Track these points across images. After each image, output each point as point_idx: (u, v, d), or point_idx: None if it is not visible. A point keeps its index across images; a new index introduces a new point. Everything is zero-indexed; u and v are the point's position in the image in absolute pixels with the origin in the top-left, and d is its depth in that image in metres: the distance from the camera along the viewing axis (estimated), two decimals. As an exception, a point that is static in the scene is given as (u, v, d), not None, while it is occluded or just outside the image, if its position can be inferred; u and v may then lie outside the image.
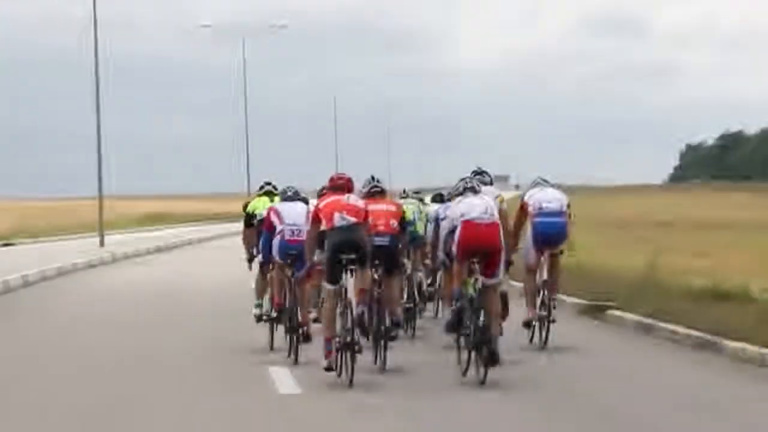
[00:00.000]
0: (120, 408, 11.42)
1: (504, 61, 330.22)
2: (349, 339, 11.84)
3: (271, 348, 14.36)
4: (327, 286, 12.34)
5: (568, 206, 14.58)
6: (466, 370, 11.95)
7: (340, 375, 11.93)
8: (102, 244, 41.36)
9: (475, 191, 12.46)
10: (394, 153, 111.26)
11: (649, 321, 15.84)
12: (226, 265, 28.20)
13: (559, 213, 14.27)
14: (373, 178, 13.72)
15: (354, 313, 12.06)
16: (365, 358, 12.43)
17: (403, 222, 13.50)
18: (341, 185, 12.73)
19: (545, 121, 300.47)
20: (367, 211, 12.46)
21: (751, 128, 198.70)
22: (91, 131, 42.68)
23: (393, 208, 13.29)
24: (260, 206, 15.29)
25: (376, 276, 12.84)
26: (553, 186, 14.91)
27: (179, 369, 13.89)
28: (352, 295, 12.37)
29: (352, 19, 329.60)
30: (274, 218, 13.80)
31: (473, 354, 11.77)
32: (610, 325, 17.24)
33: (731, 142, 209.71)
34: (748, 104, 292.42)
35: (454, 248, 12.19)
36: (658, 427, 10.52)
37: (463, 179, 12.84)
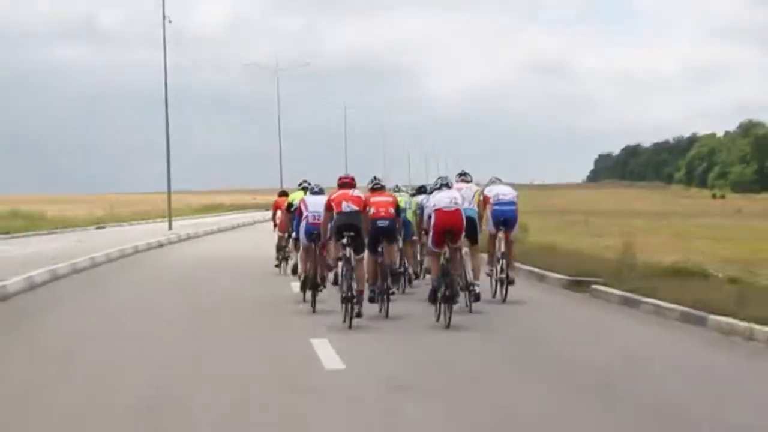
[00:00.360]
0: (188, 347, 10.99)
1: (465, 91, 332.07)
2: (350, 294, 11.91)
3: (304, 300, 14.10)
4: (333, 242, 12.76)
5: (517, 197, 14.79)
6: (438, 316, 11.95)
7: (344, 321, 11.95)
8: (170, 227, 39.95)
9: (448, 186, 12.78)
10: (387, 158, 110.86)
11: (632, 295, 13.87)
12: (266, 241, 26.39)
13: (511, 203, 14.48)
14: (375, 177, 13.83)
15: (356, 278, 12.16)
16: (374, 307, 12.85)
17: (398, 209, 13.33)
18: (347, 182, 13.00)
19: (498, 136, 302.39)
20: (366, 201, 12.74)
21: (646, 142, 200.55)
22: (162, 144, 41.63)
23: (390, 199, 13.18)
24: (297, 198, 15.78)
25: (379, 249, 12.96)
26: (504, 183, 15.13)
27: (235, 317, 13.58)
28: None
29: (352, 60, 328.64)
30: (302, 207, 14.08)
31: (443, 306, 11.84)
32: (597, 299, 14.93)
33: (631, 152, 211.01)
34: (643, 126, 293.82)
35: (430, 230, 12.35)
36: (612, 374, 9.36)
37: (439, 177, 13.17)
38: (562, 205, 68.63)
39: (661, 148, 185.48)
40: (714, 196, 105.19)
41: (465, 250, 13.32)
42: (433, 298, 12.07)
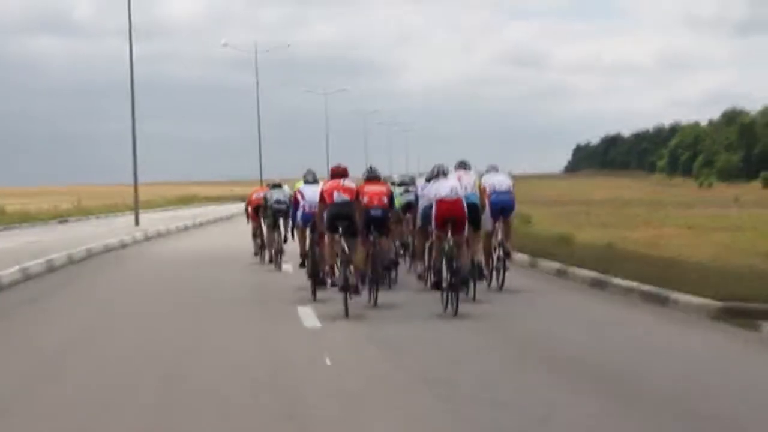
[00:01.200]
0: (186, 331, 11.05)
1: (444, 82, 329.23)
2: (346, 283, 11.87)
3: (313, 296, 13.58)
4: (327, 233, 12.70)
5: (513, 186, 14.58)
6: (446, 306, 11.67)
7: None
8: (137, 223, 36.82)
9: (445, 174, 12.59)
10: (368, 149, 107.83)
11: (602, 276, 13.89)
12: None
13: (507, 191, 14.33)
14: (371, 167, 13.44)
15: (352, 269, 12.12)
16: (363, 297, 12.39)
17: (392, 199, 13.11)
18: (340, 172, 12.93)
19: (474, 127, 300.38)
20: (357, 191, 12.60)
21: (625, 131, 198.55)
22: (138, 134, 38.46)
23: (384, 189, 12.92)
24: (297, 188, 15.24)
25: (371, 238, 12.66)
26: (499, 171, 14.82)
27: (229, 307, 13.10)
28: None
29: (327, 51, 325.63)
30: (298, 196, 14.35)
31: (450, 294, 11.60)
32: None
33: (611, 142, 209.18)
34: (622, 115, 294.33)
35: (432, 220, 12.14)
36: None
37: (436, 165, 12.76)
38: (551, 195, 66.57)
39: (641, 137, 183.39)
40: (701, 185, 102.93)
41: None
42: (437, 285, 11.92)
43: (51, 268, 18.61)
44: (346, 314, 11.51)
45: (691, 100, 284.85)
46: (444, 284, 11.63)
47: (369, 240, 12.57)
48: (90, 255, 22.31)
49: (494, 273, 14.16)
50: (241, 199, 73.11)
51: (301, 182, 14.87)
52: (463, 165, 14.04)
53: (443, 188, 12.12)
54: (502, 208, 14.21)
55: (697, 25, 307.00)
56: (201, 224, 38.39)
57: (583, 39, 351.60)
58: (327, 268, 12.93)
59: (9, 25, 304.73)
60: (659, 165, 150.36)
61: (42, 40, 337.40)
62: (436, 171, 12.57)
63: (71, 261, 20.45)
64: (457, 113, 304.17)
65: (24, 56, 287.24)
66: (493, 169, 14.79)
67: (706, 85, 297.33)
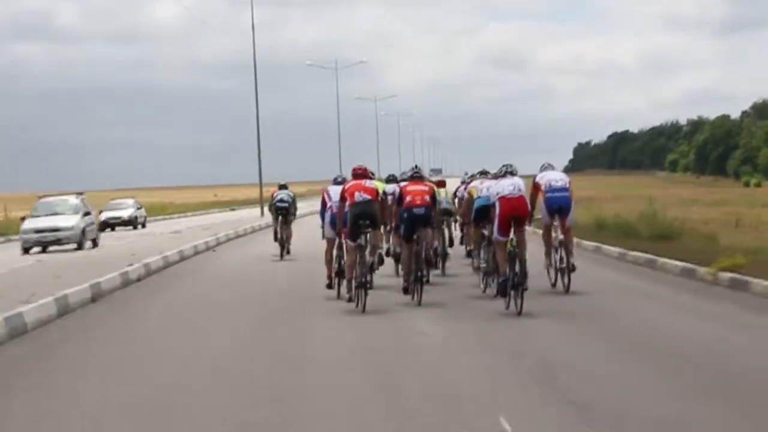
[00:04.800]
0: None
1: (426, 85, 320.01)
2: (363, 279, 12.13)
3: (338, 295, 13.51)
4: (348, 243, 12.56)
5: (570, 183, 13.68)
6: (508, 304, 11.61)
7: (357, 306, 12.10)
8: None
9: (512, 174, 12.20)
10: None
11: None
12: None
13: (564, 188, 13.53)
14: (416, 166, 14.26)
15: (367, 262, 12.47)
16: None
17: (434, 197, 13.31)
18: (360, 173, 12.90)
19: (460, 129, 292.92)
20: (377, 190, 12.72)
21: (631, 129, 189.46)
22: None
23: (426, 188, 13.11)
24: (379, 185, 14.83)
25: (415, 236, 12.69)
26: (555, 169, 14.04)
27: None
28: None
29: (308, 55, 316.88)
30: (325, 197, 13.89)
31: (513, 292, 11.51)
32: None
33: (619, 139, 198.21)
34: (606, 116, 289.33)
35: (495, 218, 11.95)
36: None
37: (503, 165, 12.47)
38: (585, 194, 55.58)
39: (657, 132, 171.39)
40: (746, 184, 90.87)
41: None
42: (504, 291, 11.74)
43: None
44: (363, 309, 11.86)
45: (671, 101, 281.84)
46: (508, 284, 11.59)
47: (413, 240, 12.70)
48: None
49: (558, 274, 13.54)
50: (229, 206, 62.40)
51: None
52: (484, 174, 15.32)
53: (506, 186, 11.95)
54: (559, 207, 13.49)
55: (678, 26, 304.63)
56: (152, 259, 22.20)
57: (565, 40, 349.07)
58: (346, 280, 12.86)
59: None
60: (682, 163, 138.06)
61: (23, 46, 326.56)
62: (504, 170, 12.34)
63: None
64: (440, 116, 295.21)
65: (4, 63, 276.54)
66: (549, 166, 14.11)
67: (687, 85, 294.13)
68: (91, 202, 28.87)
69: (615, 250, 18.50)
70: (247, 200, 69.68)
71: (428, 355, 9.01)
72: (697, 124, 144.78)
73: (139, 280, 17.07)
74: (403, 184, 13.49)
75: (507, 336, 9.95)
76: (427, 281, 13.13)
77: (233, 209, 61.31)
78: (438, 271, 15.45)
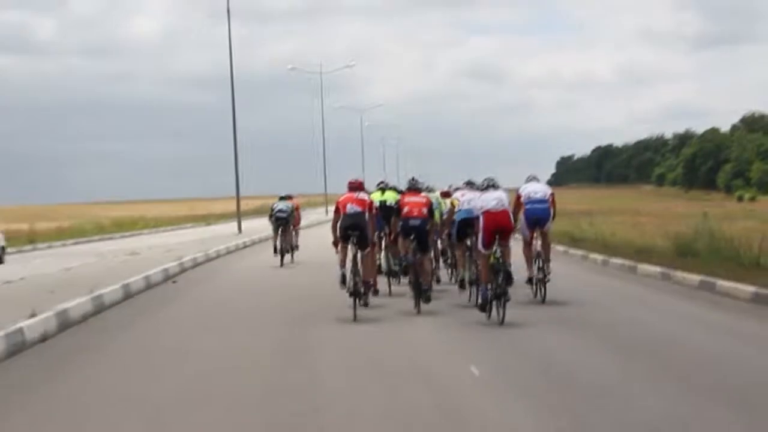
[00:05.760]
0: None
1: (405, 98, 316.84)
2: (356, 289, 12.26)
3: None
4: (342, 243, 12.78)
5: (552, 195, 13.70)
6: (490, 314, 11.59)
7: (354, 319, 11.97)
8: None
9: (494, 187, 12.26)
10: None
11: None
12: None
13: (543, 200, 13.57)
14: (413, 178, 14.44)
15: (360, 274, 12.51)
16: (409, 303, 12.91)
17: (431, 210, 13.38)
18: (355, 186, 13.10)
19: (440, 142, 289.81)
20: (371, 202, 13.01)
21: (585, 149, 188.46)
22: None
23: (423, 200, 13.38)
24: (376, 198, 15.26)
25: (412, 246, 13.01)
26: (539, 181, 14.15)
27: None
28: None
29: (286, 70, 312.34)
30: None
31: (495, 302, 11.50)
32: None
33: (603, 153, 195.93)
34: (585, 130, 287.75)
35: (479, 232, 11.91)
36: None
37: (486, 179, 12.50)
38: (578, 208, 52.86)
39: (642, 146, 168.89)
40: (739, 198, 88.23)
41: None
42: (484, 306, 11.76)
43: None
44: (354, 318, 11.81)
45: (651, 115, 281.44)
46: (491, 294, 11.66)
47: (412, 249, 13.07)
48: None
49: (536, 286, 13.57)
50: (204, 221, 58.96)
51: (378, 193, 15.79)
52: (470, 185, 14.48)
53: (490, 200, 11.95)
54: (537, 218, 13.54)
55: (656, 40, 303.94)
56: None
57: (543, 54, 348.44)
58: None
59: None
60: (669, 176, 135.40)
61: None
62: (486, 183, 12.40)
63: None
64: (419, 129, 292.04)
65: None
66: (533, 178, 14.13)
67: (665, 99, 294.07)
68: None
69: (730, 285, 13.58)
70: (224, 214, 66.18)
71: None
72: (683, 138, 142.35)
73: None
74: (400, 195, 14.17)
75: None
76: (429, 298, 12.94)
77: (209, 224, 57.71)
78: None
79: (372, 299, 13.17)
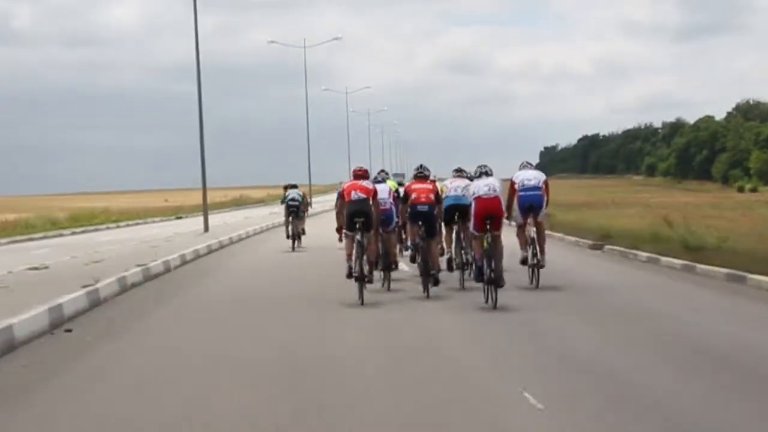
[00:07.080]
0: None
1: (386, 89, 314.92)
2: (362, 273, 12.66)
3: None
4: (347, 233, 12.98)
5: (545, 182, 13.99)
6: (487, 298, 11.99)
7: (362, 303, 12.38)
8: None
9: (487, 174, 12.76)
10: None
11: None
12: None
13: (536, 187, 13.82)
14: (421, 165, 14.28)
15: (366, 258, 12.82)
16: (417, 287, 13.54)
17: (438, 196, 13.79)
18: (360, 174, 13.38)
19: (421, 133, 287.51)
20: (375, 190, 13.34)
21: (566, 139, 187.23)
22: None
23: (430, 186, 13.73)
24: (393, 186, 16.10)
25: (420, 231, 13.40)
26: (533, 167, 14.37)
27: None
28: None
29: (266, 59, 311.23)
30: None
31: (489, 287, 11.96)
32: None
33: (590, 142, 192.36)
34: (564, 121, 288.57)
35: (472, 217, 12.39)
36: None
37: (479, 166, 13.01)
38: (575, 200, 49.96)
39: (631, 135, 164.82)
40: (740, 189, 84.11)
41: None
42: (479, 277, 12.25)
43: None
44: (362, 302, 12.24)
45: (629, 106, 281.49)
46: (484, 278, 12.06)
47: (419, 234, 13.48)
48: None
49: (530, 271, 13.80)
50: (175, 213, 54.35)
51: (394, 183, 17.36)
52: (459, 172, 14.96)
53: (481, 187, 12.37)
54: (530, 204, 13.76)
55: (635, 32, 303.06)
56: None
57: (523, 45, 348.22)
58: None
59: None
60: (661, 166, 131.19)
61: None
62: (479, 171, 12.87)
63: None
64: (402, 119, 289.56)
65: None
66: (527, 165, 14.39)
67: (644, 91, 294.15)
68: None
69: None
70: (198, 205, 61.50)
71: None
72: (675, 127, 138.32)
73: None
74: (407, 183, 14.59)
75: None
76: (436, 283, 13.41)
77: (179, 217, 52.88)
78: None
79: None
